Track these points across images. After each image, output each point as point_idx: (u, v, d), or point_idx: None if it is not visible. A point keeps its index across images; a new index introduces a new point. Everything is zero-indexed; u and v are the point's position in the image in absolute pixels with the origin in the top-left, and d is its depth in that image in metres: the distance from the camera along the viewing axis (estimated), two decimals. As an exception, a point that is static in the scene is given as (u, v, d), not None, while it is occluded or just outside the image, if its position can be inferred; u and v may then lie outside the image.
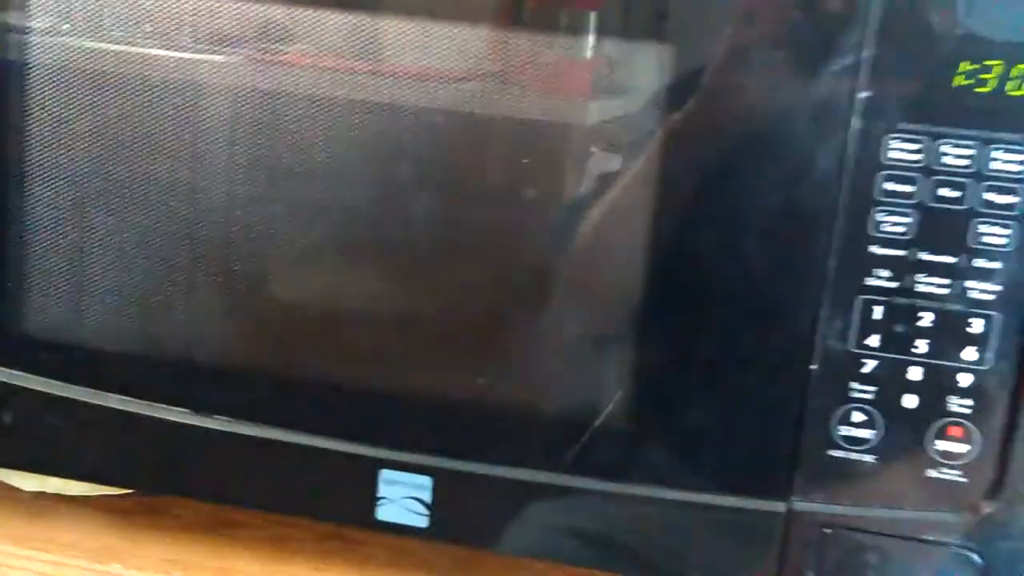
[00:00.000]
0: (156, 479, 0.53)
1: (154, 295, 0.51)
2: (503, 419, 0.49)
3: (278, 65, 0.48)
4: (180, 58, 0.49)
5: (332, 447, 0.49)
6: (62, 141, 0.50)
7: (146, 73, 0.49)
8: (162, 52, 0.49)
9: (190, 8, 0.48)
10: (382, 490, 0.48)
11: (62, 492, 0.57)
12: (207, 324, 0.51)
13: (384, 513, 0.49)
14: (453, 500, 0.49)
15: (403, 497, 0.48)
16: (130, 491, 0.57)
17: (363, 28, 0.47)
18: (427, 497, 0.48)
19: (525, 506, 0.48)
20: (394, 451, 0.49)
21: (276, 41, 0.48)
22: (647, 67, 0.45)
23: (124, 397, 0.51)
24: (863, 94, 0.43)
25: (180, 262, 0.50)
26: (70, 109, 0.50)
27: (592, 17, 0.46)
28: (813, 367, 0.45)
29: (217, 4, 0.48)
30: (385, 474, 0.48)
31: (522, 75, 0.47)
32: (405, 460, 0.49)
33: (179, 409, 0.51)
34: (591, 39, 0.46)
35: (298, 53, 0.48)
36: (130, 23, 0.49)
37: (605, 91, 0.46)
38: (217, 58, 0.49)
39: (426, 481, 0.48)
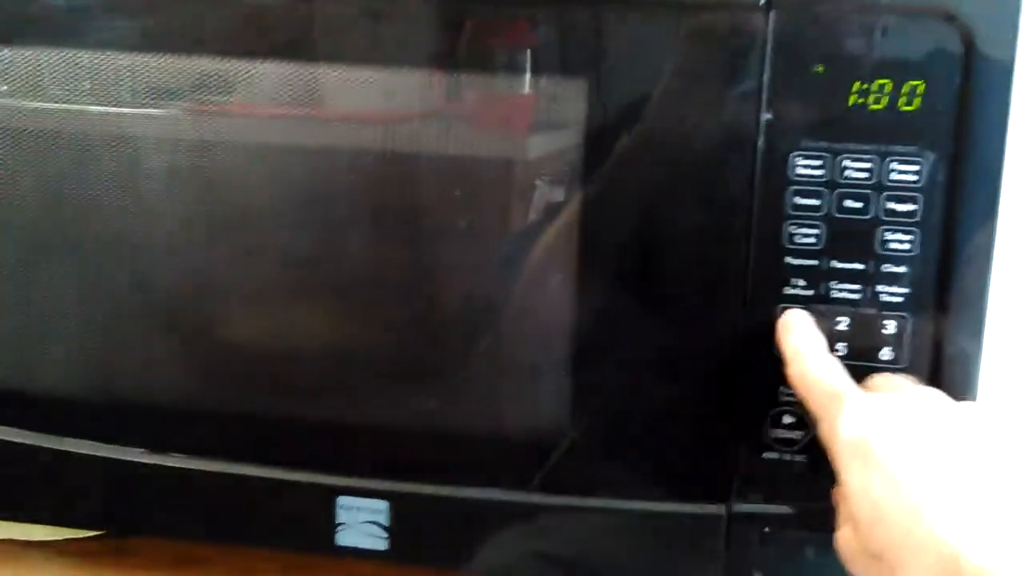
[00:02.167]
0: (120, 520, 0.54)
1: (105, 342, 0.53)
2: (452, 442, 0.50)
3: (216, 115, 0.49)
4: (119, 113, 0.50)
5: (289, 477, 0.51)
6: (7, 198, 0.51)
7: (86, 129, 0.50)
8: (101, 108, 0.50)
9: (127, 63, 0.49)
10: (340, 516, 0.50)
11: (27, 538, 0.57)
12: (159, 367, 0.52)
13: (344, 539, 0.50)
14: (410, 522, 0.50)
15: (361, 522, 0.50)
16: (95, 533, 0.58)
17: (301, 75, 0.49)
18: (385, 520, 0.50)
19: (478, 524, 0.50)
20: (349, 478, 0.50)
21: (214, 92, 0.49)
22: (578, 102, 0.47)
23: (82, 440, 0.52)
24: (766, 116, 0.46)
25: (128, 309, 0.52)
26: (13, 167, 0.51)
27: (528, 54, 0.47)
28: (742, 376, 0.48)
29: (153, 59, 0.49)
30: (342, 500, 0.50)
31: (462, 113, 0.48)
32: (360, 486, 0.50)
33: (137, 449, 0.52)
34: (528, 75, 0.47)
35: (236, 102, 0.49)
36: (69, 81, 0.50)
37: (545, 125, 0.48)
38: (156, 111, 0.50)
39: (382, 505, 0.50)
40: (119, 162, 0.50)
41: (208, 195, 0.50)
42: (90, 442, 0.53)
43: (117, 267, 0.52)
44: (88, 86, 0.50)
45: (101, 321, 0.53)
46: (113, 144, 0.50)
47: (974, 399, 0.47)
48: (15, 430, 0.53)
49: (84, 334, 0.53)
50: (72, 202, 0.51)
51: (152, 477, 0.52)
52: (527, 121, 0.48)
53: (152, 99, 0.50)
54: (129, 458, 0.52)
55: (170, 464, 0.52)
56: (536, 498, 0.50)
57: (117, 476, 0.52)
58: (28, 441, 0.53)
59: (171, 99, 0.50)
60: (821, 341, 0.46)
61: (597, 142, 0.47)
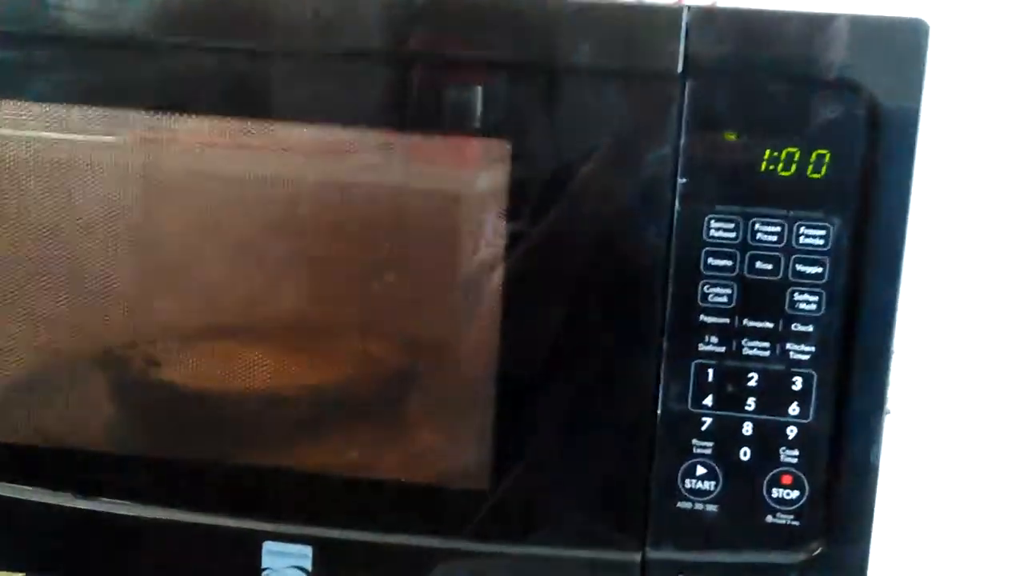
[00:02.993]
0: (48, 563, 0.54)
1: (38, 382, 0.53)
2: (378, 487, 0.51)
3: (155, 149, 0.50)
4: (60, 139, 0.50)
5: (215, 522, 0.51)
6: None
7: (30, 155, 0.50)
8: (42, 134, 0.50)
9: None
10: (266, 561, 0.51)
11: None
12: (91, 408, 0.53)
13: (269, 582, 0.52)
14: (334, 567, 0.51)
15: (286, 567, 0.51)
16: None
17: (239, 125, 0.49)
18: (309, 566, 0.51)
19: (402, 570, 0.51)
20: (275, 523, 0.51)
21: (167, 120, 0.49)
22: (508, 152, 0.48)
23: (10, 484, 0.52)
24: (683, 180, 0.48)
25: (64, 348, 0.52)
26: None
27: (479, 90, 0.48)
28: (657, 427, 0.50)
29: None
30: (268, 545, 0.51)
31: (413, 147, 0.49)
32: (286, 531, 0.51)
33: (63, 493, 0.52)
34: (479, 110, 0.49)
35: (187, 131, 0.49)
36: (19, 104, 0.50)
37: (495, 159, 0.49)
38: (106, 138, 0.50)
39: (307, 550, 0.51)
40: (62, 191, 0.50)
41: (144, 230, 0.51)
42: (21, 487, 0.53)
43: (53, 303, 0.51)
44: (38, 110, 0.50)
45: (35, 359, 0.53)
46: (58, 172, 0.50)
47: (877, 455, 0.49)
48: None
49: (17, 373, 0.53)
50: (8, 232, 0.51)
51: (77, 521, 0.52)
52: (464, 163, 0.50)
53: (102, 126, 0.50)
54: (59, 503, 0.52)
55: (96, 508, 0.52)
56: (462, 544, 0.51)
57: (47, 521, 0.52)
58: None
59: (120, 126, 0.50)
60: None
61: (523, 193, 0.49)
